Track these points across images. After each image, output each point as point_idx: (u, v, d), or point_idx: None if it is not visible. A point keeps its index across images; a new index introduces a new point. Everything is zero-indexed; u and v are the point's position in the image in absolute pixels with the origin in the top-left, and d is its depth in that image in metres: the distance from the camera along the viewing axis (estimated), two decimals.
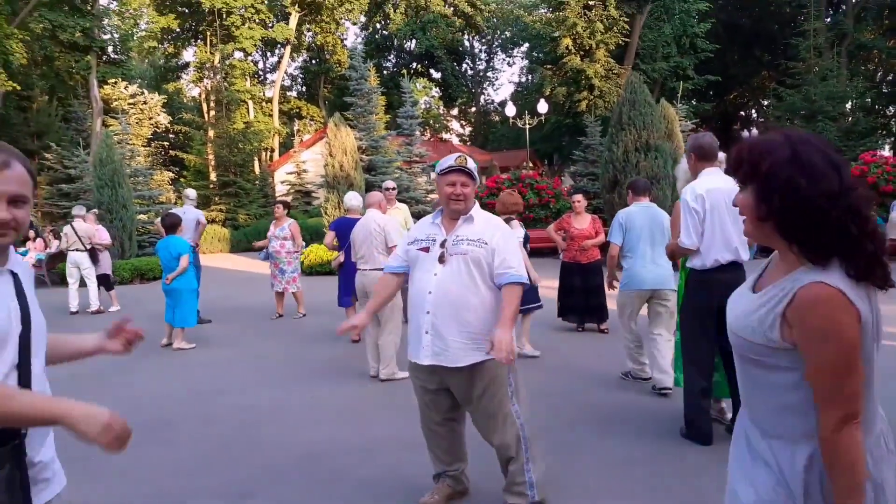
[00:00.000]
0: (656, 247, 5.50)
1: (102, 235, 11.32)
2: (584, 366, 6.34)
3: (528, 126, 22.58)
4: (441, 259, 3.14)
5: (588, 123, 23.81)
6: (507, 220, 6.77)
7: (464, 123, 57.34)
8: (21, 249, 17.02)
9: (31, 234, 18.54)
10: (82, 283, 11.09)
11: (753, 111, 45.96)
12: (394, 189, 8.58)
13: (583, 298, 7.63)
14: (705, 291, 4.06)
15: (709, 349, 4.15)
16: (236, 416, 5.19)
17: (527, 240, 6.86)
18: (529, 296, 6.78)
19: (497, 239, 3.12)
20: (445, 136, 53.99)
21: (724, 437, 4.15)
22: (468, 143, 50.40)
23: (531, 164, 31.50)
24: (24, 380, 1.60)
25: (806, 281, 1.47)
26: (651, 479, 3.68)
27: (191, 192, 10.45)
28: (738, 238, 4.00)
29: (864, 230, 1.45)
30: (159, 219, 8.57)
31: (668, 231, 5.38)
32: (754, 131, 34.17)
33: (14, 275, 1.72)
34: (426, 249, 3.20)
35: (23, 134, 31.48)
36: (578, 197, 7.80)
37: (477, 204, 3.31)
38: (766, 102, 41.60)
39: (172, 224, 7.84)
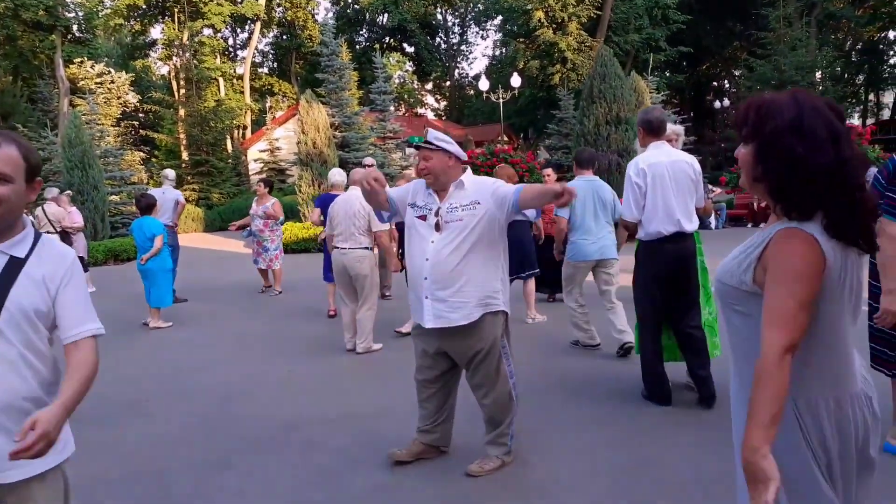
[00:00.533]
0: (599, 219, 5.76)
1: (74, 218, 11.25)
2: (554, 334, 6.52)
3: (501, 100, 22.62)
4: (437, 227, 3.28)
5: (561, 97, 23.93)
6: None
7: (438, 98, 57.09)
8: None
9: None
10: None
11: (726, 82, 46.27)
12: (372, 166, 8.64)
13: (553, 270, 7.77)
14: (650, 261, 4.29)
15: (656, 315, 4.33)
16: (214, 391, 5.30)
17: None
18: (528, 262, 6.97)
19: (490, 191, 3.28)
20: (420, 110, 53.77)
21: (688, 403, 4.38)
22: (443, 118, 50.22)
23: (506, 139, 31.56)
24: None
25: (782, 227, 1.59)
26: (614, 437, 3.87)
27: (169, 173, 10.43)
28: (680, 210, 4.16)
29: (852, 199, 1.53)
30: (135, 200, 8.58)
31: (610, 204, 5.80)
32: (726, 101, 34.53)
33: (13, 258, 1.83)
34: (423, 218, 3.34)
35: None
36: (548, 171, 7.90)
37: (469, 170, 3.42)
38: (738, 73, 41.89)
39: (148, 205, 7.86)
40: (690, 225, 4.21)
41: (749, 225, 16.35)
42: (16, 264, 1.85)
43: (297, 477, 3.61)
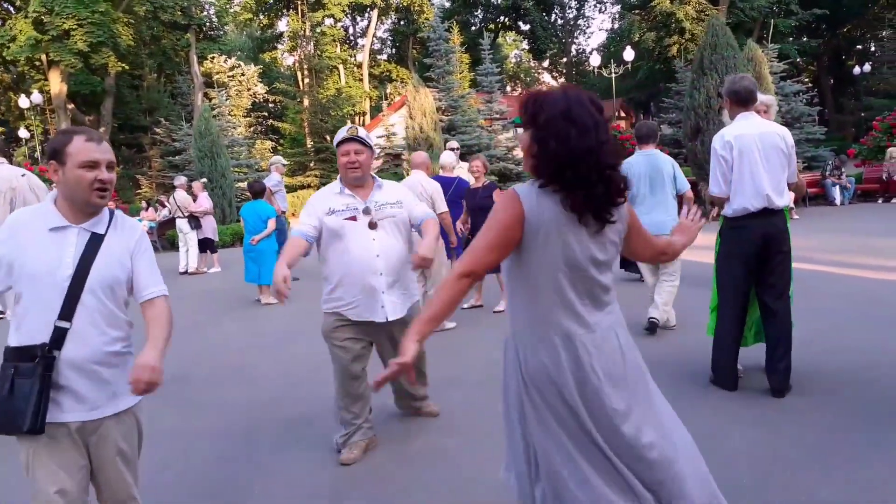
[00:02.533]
0: (656, 194, 5.62)
1: (201, 203, 12.31)
2: (638, 315, 6.50)
3: (613, 75, 22.09)
4: (372, 225, 3.46)
5: (678, 69, 23.04)
6: None
7: (555, 75, 56.27)
8: (136, 218, 18.66)
9: (144, 204, 20.20)
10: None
11: (872, 45, 42.43)
12: (457, 149, 8.86)
13: None
14: (735, 239, 4.06)
15: (738, 297, 4.11)
16: (307, 360, 5.76)
17: None
18: None
19: (405, 197, 3.63)
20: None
21: (749, 387, 4.31)
22: None
23: (621, 115, 30.76)
24: (66, 313, 2.16)
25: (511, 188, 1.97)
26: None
27: (275, 160, 11.25)
28: (770, 184, 3.92)
29: (601, 176, 1.86)
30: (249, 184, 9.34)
31: (670, 177, 5.64)
32: (867, 67, 31.75)
33: (94, 234, 2.23)
34: (353, 218, 3.45)
35: (135, 111, 33.87)
36: None
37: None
38: (883, 34, 38.33)
39: (259, 191, 8.57)
40: (781, 200, 3.96)
41: (880, 200, 15.12)
42: (97, 240, 2.24)
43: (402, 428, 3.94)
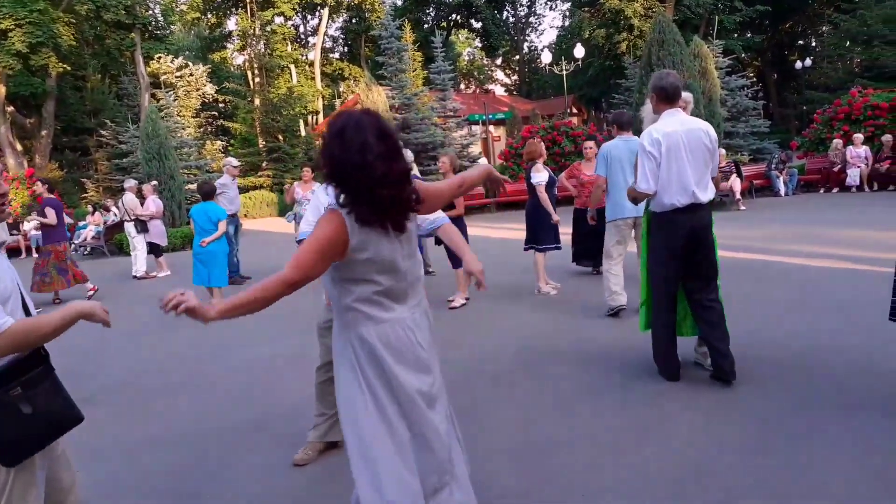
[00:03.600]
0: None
1: (148, 206, 12.02)
2: (589, 305, 6.59)
3: (565, 72, 22.34)
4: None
5: (627, 66, 23.41)
6: (531, 165, 7.16)
7: (508, 73, 56.61)
8: (81, 223, 18.13)
9: (90, 208, 19.65)
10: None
11: (812, 40, 43.79)
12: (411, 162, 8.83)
13: (595, 243, 7.78)
14: (663, 233, 4.12)
15: (670, 290, 4.19)
16: (259, 365, 5.68)
17: (552, 183, 7.30)
18: (548, 237, 7.14)
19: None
20: (489, 87, 53.52)
21: (701, 380, 4.40)
22: (513, 93, 49.87)
23: (573, 111, 31.11)
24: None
25: (333, 207, 2.20)
26: (619, 403, 3.97)
27: (227, 161, 11.03)
28: (696, 180, 3.99)
29: (381, 191, 2.11)
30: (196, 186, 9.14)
31: None
32: (808, 62, 32.76)
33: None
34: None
35: (80, 113, 32.85)
36: (590, 144, 7.96)
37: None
38: (823, 29, 39.61)
39: (209, 192, 8.39)
40: (706, 195, 4.05)
41: (822, 190, 15.62)
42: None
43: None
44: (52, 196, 9.83)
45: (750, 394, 3.92)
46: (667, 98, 4.11)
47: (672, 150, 3.99)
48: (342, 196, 2.15)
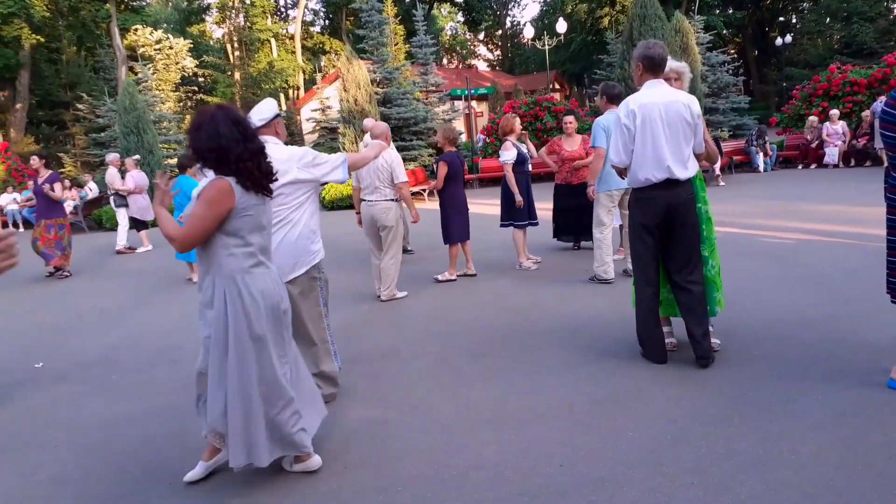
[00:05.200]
0: None
1: (127, 182, 11.86)
2: (570, 279, 6.63)
3: (547, 47, 22.20)
4: None
5: (610, 41, 23.33)
6: (504, 141, 7.15)
7: (491, 48, 56.22)
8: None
9: (67, 183, 19.32)
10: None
11: (793, 16, 43.87)
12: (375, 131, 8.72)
13: (576, 218, 7.83)
14: (640, 210, 4.04)
15: (650, 268, 4.08)
16: None
17: (523, 160, 7.26)
18: (522, 213, 7.16)
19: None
20: (472, 62, 53.14)
21: (680, 355, 4.43)
22: (496, 68, 49.56)
23: (556, 87, 31.01)
24: None
25: (216, 178, 2.83)
26: (598, 375, 4.02)
27: None
28: (672, 156, 3.87)
29: (247, 165, 2.80)
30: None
31: None
32: (788, 38, 32.84)
33: None
34: None
35: (55, 86, 32.20)
36: (570, 119, 7.93)
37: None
38: (804, 5, 39.66)
39: (184, 164, 8.26)
40: (684, 172, 3.90)
41: (800, 166, 15.75)
42: None
43: None
44: (51, 171, 9.74)
45: (725, 366, 3.98)
46: (652, 67, 3.96)
47: (647, 122, 3.87)
48: (215, 170, 2.84)
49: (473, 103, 25.28)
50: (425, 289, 6.84)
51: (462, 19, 52.44)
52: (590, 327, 5.03)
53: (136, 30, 30.47)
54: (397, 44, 20.58)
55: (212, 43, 42.69)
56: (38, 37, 25.28)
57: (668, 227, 3.99)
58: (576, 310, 5.57)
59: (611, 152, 4.14)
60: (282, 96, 34.57)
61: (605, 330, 4.92)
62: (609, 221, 6.34)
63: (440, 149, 7.24)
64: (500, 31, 52.18)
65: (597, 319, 5.22)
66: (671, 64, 4.18)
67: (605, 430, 3.29)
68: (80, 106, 25.34)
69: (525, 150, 7.39)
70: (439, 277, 7.05)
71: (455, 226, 6.98)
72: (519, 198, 7.10)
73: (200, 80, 37.25)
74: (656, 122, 3.87)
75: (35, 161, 9.66)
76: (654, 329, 4.14)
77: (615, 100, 6.08)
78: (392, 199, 6.37)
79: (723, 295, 4.26)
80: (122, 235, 11.95)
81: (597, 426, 3.33)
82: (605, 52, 23.77)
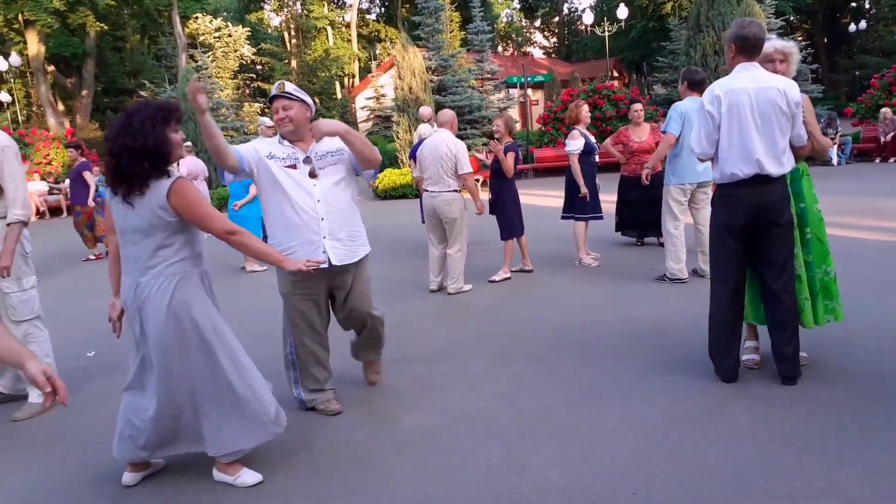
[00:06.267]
0: None
1: (183, 167, 11.91)
2: (634, 278, 6.28)
3: (607, 34, 21.55)
4: (312, 174, 3.50)
5: (672, 27, 22.52)
6: (570, 130, 6.82)
7: (547, 35, 55.31)
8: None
9: (97, 170, 19.79)
10: None
11: (867, 1, 41.73)
12: (431, 120, 8.47)
13: (642, 212, 7.43)
14: (724, 208, 3.64)
15: (730, 272, 3.66)
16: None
17: (591, 150, 6.91)
18: (588, 206, 6.82)
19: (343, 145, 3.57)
20: (528, 49, 52.39)
21: (764, 373, 4.05)
22: (552, 56, 48.75)
23: (614, 74, 30.23)
24: None
25: (175, 177, 2.77)
26: (671, 389, 3.70)
27: (262, 120, 10.77)
28: (764, 148, 3.44)
29: (164, 165, 2.75)
30: None
31: None
32: (863, 24, 31.21)
33: None
34: (293, 167, 3.50)
35: (119, 73, 33.11)
36: (637, 107, 7.55)
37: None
38: None
39: None
40: (778, 167, 3.46)
41: (878, 160, 14.86)
42: None
43: (348, 415, 3.71)
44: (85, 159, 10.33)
45: (815, 381, 3.60)
46: (747, 49, 3.51)
47: (734, 110, 3.47)
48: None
49: (529, 91, 24.80)
50: (480, 284, 6.58)
51: (518, 6, 51.68)
52: (660, 332, 4.69)
53: (196, 18, 30.92)
54: (453, 31, 20.28)
55: (269, 31, 43.09)
56: (103, 24, 25.85)
57: (756, 230, 3.56)
58: (643, 311, 5.23)
59: (692, 142, 3.76)
60: (337, 84, 34.68)
61: (677, 336, 4.57)
62: (682, 216, 5.96)
63: (491, 136, 6.92)
64: (556, 18, 51.24)
65: (667, 323, 4.87)
66: (775, 44, 3.75)
67: (682, 452, 2.97)
68: (142, 93, 25.86)
69: (593, 140, 7.04)
70: (495, 278, 6.70)
71: (516, 220, 6.68)
72: (584, 189, 6.75)
73: (258, 67, 37.68)
74: (745, 111, 3.47)
75: (72, 153, 10.51)
76: (727, 344, 3.70)
77: (697, 86, 5.69)
78: (455, 190, 6.14)
79: (837, 303, 3.81)
80: None
81: (673, 448, 3.02)
82: (668, 39, 22.91)
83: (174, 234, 2.82)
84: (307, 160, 3.49)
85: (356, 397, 3.98)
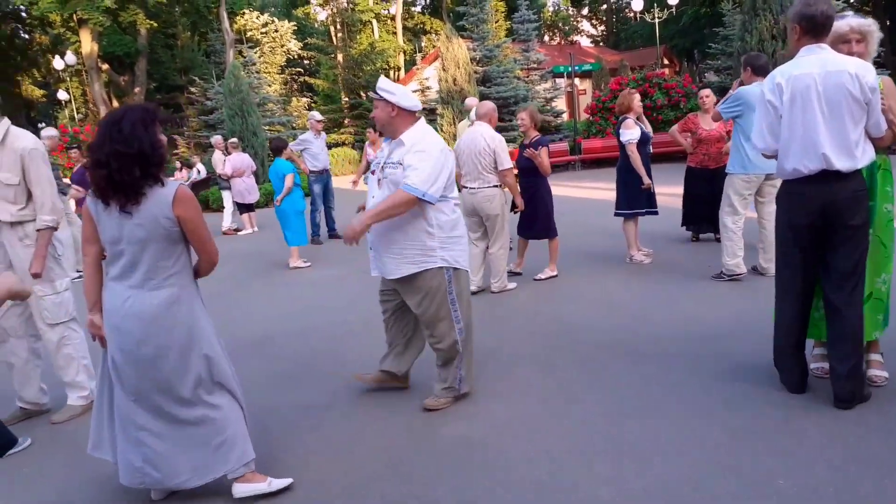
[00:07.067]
0: None
1: (228, 165, 12.00)
2: (689, 276, 5.97)
3: (657, 20, 20.93)
4: (379, 183, 3.46)
5: (725, 12, 21.74)
6: (622, 120, 6.51)
7: (595, 23, 54.27)
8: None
9: (178, 164, 20.11)
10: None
11: None
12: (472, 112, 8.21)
13: (707, 207, 6.99)
14: (788, 207, 3.29)
15: (796, 279, 3.31)
16: (331, 331, 5.40)
17: (646, 140, 6.61)
18: (641, 200, 6.51)
19: (409, 158, 3.30)
20: (575, 38, 51.51)
21: (828, 388, 3.73)
22: (599, 44, 47.84)
23: (665, 62, 29.41)
24: None
25: (176, 185, 2.62)
26: (732, 401, 3.43)
27: (311, 115, 10.71)
28: (832, 141, 3.06)
29: (157, 170, 2.57)
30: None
31: None
32: None
33: None
34: (374, 172, 3.52)
35: (171, 70, 33.68)
36: (706, 93, 7.11)
37: (419, 122, 3.46)
38: None
39: (277, 147, 8.16)
40: (849, 161, 3.07)
41: None
42: None
43: (388, 422, 3.55)
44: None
45: (894, 397, 3.29)
46: (814, 29, 3.15)
47: (798, 98, 3.11)
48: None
49: (576, 81, 24.31)
50: (524, 283, 6.36)
51: None
52: (718, 335, 4.40)
53: (243, 13, 31.25)
54: (498, 21, 19.95)
55: (316, 25, 43.26)
56: (153, 22, 26.33)
57: (824, 231, 3.19)
58: (700, 312, 4.94)
59: (753, 135, 3.43)
60: (382, 77, 34.63)
61: (738, 339, 4.27)
62: (743, 210, 5.60)
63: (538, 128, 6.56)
64: (604, 6, 50.20)
65: (727, 326, 4.57)
66: (851, 22, 3.33)
67: (747, 473, 2.71)
68: (192, 89, 26.25)
69: (648, 129, 6.71)
70: (541, 276, 6.43)
71: (552, 219, 6.41)
72: (647, 180, 6.41)
73: (305, 62, 37.88)
74: (810, 98, 3.09)
75: (75, 153, 10.56)
76: (793, 353, 3.39)
77: (761, 71, 5.30)
78: (495, 186, 5.89)
79: (888, 313, 3.47)
80: (227, 217, 12.30)
81: (737, 467, 2.76)
82: (721, 25, 22.13)
83: (175, 244, 2.67)
84: (382, 167, 3.47)
85: (395, 402, 3.81)
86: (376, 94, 3.40)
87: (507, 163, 5.80)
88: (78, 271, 8.42)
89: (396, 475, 2.98)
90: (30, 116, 40.23)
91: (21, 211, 3.79)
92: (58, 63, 24.47)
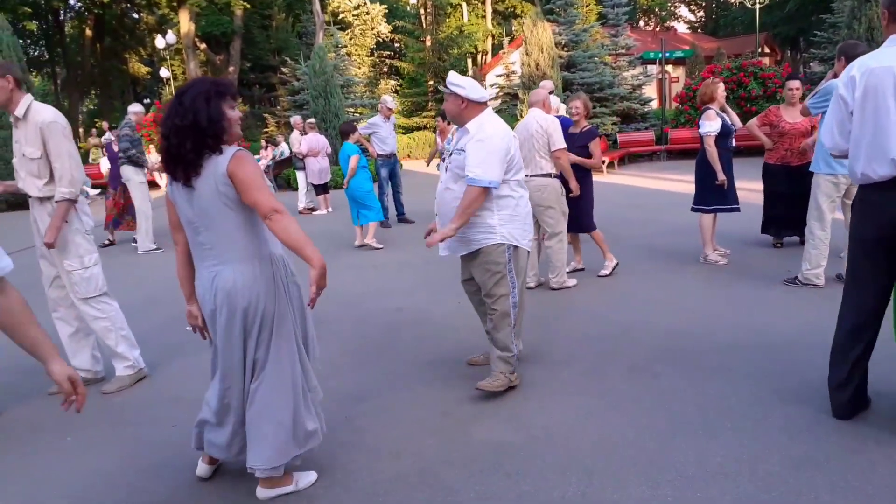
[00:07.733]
0: None
1: (304, 144, 12.17)
2: (766, 282, 5.56)
3: (758, 6, 19.78)
4: (446, 169, 3.68)
5: None
6: (704, 110, 6.14)
7: (693, 8, 52.05)
8: (256, 157, 19.06)
9: (263, 142, 20.67)
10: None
11: None
12: (552, 92, 7.90)
13: (788, 208, 6.48)
14: (859, 216, 2.95)
15: (859, 290, 2.99)
16: (384, 318, 5.34)
17: (728, 133, 6.15)
18: (718, 195, 6.10)
19: (470, 146, 3.46)
20: (672, 23, 49.63)
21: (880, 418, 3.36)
22: (697, 31, 45.90)
23: (765, 50, 27.87)
24: None
25: (236, 149, 2.51)
26: (798, 424, 3.12)
27: (383, 99, 10.71)
28: None
29: (214, 143, 2.48)
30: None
31: None
32: None
33: None
34: (443, 159, 3.77)
35: (265, 51, 34.65)
36: (795, 84, 6.54)
37: (486, 111, 3.56)
38: None
39: (345, 131, 8.20)
40: None
41: None
42: None
43: (419, 421, 3.44)
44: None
45: None
46: None
47: (871, 94, 2.75)
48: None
49: (668, 67, 23.38)
50: (586, 280, 6.10)
51: None
52: (788, 349, 4.05)
53: None
54: (589, 5, 19.33)
55: (407, 8, 43.40)
56: (247, 3, 27.10)
57: (893, 246, 2.83)
58: (772, 322, 4.57)
59: (822, 133, 3.09)
60: (469, 61, 34.44)
61: (808, 355, 3.91)
62: (830, 214, 5.14)
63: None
64: None
65: (798, 339, 4.21)
66: None
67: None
68: (283, 70, 26.87)
69: (731, 121, 6.26)
70: (604, 272, 6.16)
71: (591, 214, 6.15)
72: (721, 175, 5.98)
73: (395, 45, 38.12)
74: (885, 95, 2.72)
75: (106, 137, 10.35)
76: (846, 376, 3.03)
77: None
78: (549, 174, 5.57)
79: None
80: (301, 197, 12.51)
81: (792, 500, 2.49)
82: (829, 11, 20.71)
83: (244, 211, 2.54)
84: (451, 154, 3.64)
85: (432, 400, 3.70)
86: (447, 88, 3.56)
87: (561, 142, 5.50)
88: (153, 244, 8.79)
89: (421, 479, 2.86)
90: (136, 92, 42.49)
91: (46, 185, 3.86)
92: (159, 42, 25.55)
